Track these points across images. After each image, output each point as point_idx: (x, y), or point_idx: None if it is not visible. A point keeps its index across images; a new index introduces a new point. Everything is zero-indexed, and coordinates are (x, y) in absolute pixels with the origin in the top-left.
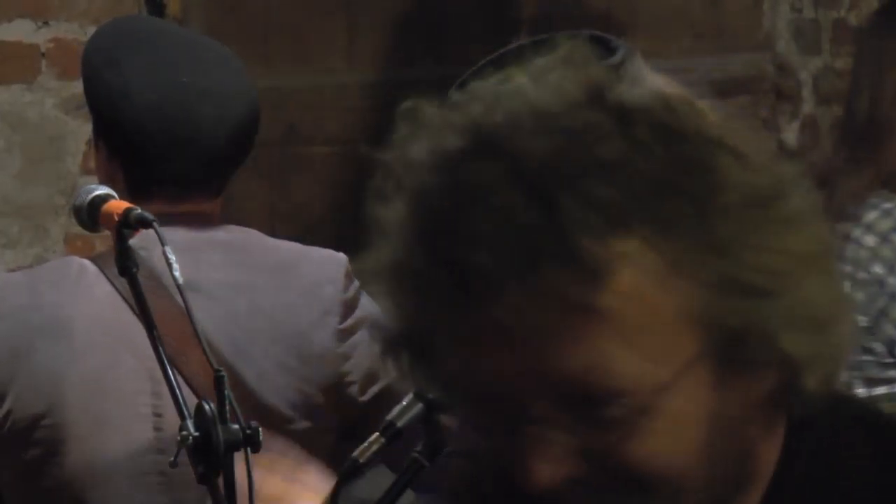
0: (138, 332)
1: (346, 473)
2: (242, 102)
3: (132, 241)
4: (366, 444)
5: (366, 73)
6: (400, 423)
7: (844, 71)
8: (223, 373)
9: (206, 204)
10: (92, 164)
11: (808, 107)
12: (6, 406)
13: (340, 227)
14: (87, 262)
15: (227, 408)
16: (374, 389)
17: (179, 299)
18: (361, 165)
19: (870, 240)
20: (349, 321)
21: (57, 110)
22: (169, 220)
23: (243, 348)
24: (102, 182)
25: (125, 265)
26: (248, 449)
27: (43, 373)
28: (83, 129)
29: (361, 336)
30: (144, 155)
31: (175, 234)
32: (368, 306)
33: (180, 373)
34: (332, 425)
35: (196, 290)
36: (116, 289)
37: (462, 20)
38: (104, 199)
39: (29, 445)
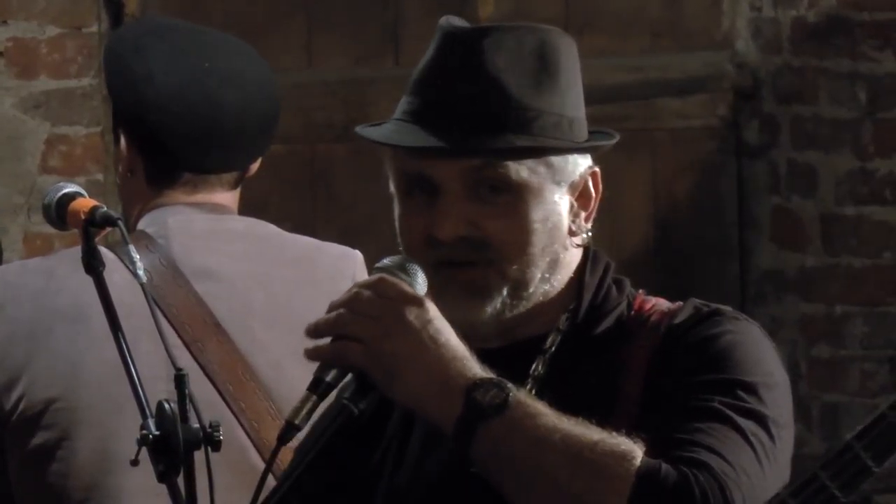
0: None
1: (282, 437)
2: (265, 94)
3: (151, 230)
4: (298, 403)
5: (324, 72)
6: (329, 378)
7: (804, 69)
8: (185, 371)
9: (225, 195)
10: (50, 163)
11: (767, 105)
12: (18, 390)
13: (297, 227)
14: (105, 249)
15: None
16: None
17: (197, 287)
18: (318, 164)
19: None
20: None
21: (15, 110)
22: (188, 209)
23: (259, 338)
24: (122, 176)
25: (91, 263)
26: (209, 448)
27: (60, 356)
28: (42, 129)
29: None
30: (167, 139)
31: (194, 222)
32: None
33: (196, 361)
34: None
35: (214, 278)
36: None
37: (420, 20)
38: (71, 197)
39: (40, 430)
